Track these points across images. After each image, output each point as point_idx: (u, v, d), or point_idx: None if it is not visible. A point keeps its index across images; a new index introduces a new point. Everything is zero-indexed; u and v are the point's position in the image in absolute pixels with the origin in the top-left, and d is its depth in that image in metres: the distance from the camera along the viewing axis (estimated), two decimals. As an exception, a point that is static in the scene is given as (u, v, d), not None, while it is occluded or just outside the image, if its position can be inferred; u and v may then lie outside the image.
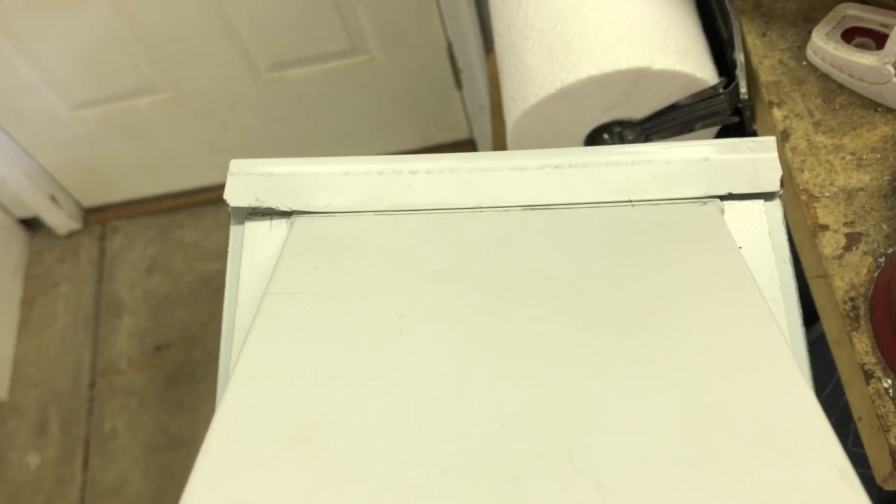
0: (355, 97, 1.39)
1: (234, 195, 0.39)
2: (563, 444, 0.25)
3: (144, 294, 1.57)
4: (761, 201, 0.37)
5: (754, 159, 0.37)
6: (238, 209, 0.39)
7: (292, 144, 1.50)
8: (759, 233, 0.35)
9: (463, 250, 0.34)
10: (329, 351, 0.30)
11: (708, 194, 0.36)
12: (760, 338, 0.29)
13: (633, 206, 0.36)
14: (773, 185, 0.36)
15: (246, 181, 0.39)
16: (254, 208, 0.39)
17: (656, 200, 0.36)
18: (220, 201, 1.59)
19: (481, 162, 0.38)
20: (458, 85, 1.35)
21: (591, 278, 0.32)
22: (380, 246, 0.35)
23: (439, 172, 0.38)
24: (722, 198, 0.37)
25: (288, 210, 0.38)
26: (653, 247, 0.34)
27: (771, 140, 0.37)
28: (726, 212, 0.36)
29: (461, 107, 1.42)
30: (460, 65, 1.29)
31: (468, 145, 1.52)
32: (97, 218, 1.66)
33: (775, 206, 0.36)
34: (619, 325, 0.30)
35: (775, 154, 0.38)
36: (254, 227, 0.38)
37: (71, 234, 1.65)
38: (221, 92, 1.35)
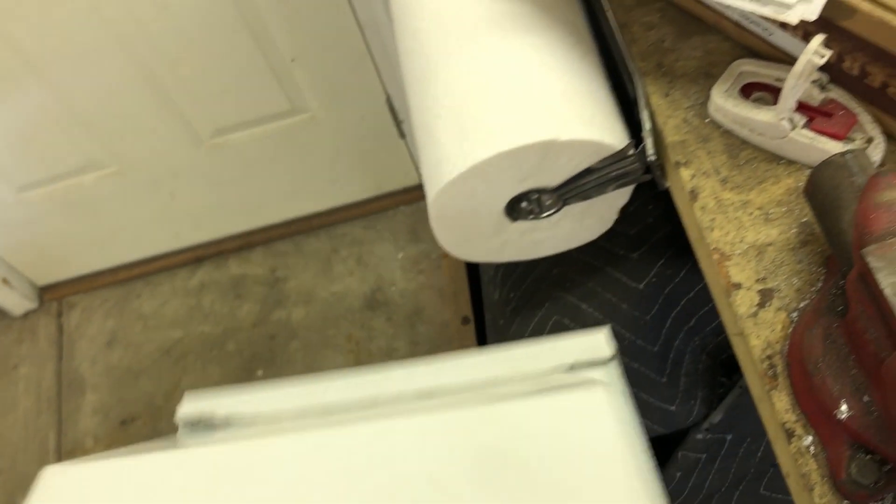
0: (301, 154, 1.39)
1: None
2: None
3: (106, 368, 1.55)
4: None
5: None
6: None
7: (241, 206, 1.50)
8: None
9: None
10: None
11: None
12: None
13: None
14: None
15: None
16: None
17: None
18: (175, 267, 1.58)
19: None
20: (401, 134, 1.36)
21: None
22: None
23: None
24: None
25: None
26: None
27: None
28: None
29: (407, 154, 1.43)
30: (401, 115, 1.30)
31: (418, 190, 1.53)
32: (53, 295, 1.64)
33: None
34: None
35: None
36: None
37: (27, 314, 1.63)
38: (165, 162, 1.35)
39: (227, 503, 0.33)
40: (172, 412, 1.45)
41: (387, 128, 1.35)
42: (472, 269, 1.33)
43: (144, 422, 1.48)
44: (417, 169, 1.47)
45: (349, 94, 1.27)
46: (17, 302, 1.59)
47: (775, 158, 0.51)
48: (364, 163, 1.45)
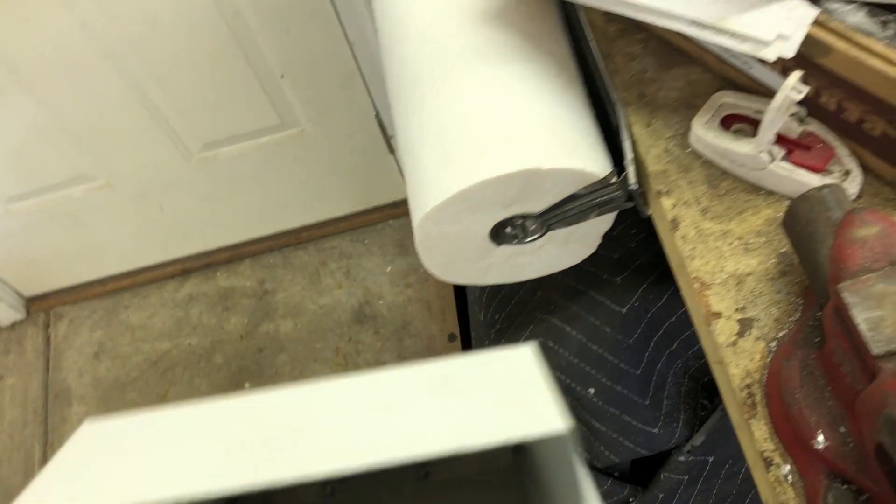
0: (289, 169, 1.39)
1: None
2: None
3: (93, 380, 1.55)
4: None
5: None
6: None
7: (230, 219, 1.50)
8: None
9: None
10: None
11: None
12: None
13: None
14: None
15: None
16: None
17: None
18: (164, 279, 1.58)
19: None
20: (391, 150, 1.37)
21: None
22: None
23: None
24: None
25: None
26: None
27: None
28: None
29: (397, 169, 1.44)
30: (390, 131, 1.31)
31: (407, 204, 1.53)
32: (40, 306, 1.63)
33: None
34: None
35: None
36: None
37: (14, 325, 1.63)
38: (155, 175, 1.35)
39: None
40: (159, 425, 1.44)
41: (376, 143, 1.36)
42: (459, 287, 1.33)
43: (131, 434, 1.47)
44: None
45: (339, 109, 1.28)
46: (4, 313, 1.58)
47: (755, 189, 0.52)
48: (353, 177, 1.46)
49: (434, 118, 0.56)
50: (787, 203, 0.49)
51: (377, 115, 1.29)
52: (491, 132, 0.54)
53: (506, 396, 0.32)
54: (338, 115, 1.29)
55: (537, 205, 0.57)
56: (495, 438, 0.28)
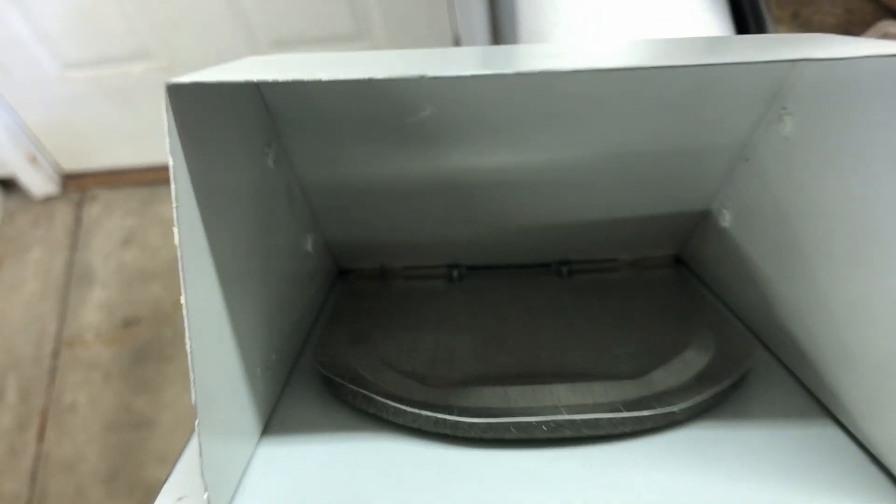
0: (355, 84, 1.35)
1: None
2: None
3: (118, 266, 1.53)
4: None
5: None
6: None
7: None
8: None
9: None
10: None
11: None
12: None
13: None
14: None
15: None
16: None
17: None
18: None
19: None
20: (462, 81, 1.32)
21: None
22: None
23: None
24: None
25: None
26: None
27: None
28: None
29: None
30: (466, 60, 1.26)
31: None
32: (76, 184, 1.61)
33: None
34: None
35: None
36: None
37: (47, 199, 1.60)
38: (218, 64, 1.31)
39: None
40: (179, 321, 1.42)
41: (447, 71, 1.31)
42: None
43: (149, 325, 1.45)
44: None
45: (417, 28, 1.23)
46: (39, 184, 1.56)
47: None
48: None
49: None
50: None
51: (456, 42, 1.24)
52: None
53: None
54: (414, 34, 1.25)
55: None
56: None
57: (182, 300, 0.28)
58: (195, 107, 0.29)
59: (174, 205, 0.27)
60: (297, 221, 0.43)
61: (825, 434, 0.34)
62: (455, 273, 0.51)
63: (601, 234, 0.48)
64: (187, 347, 0.27)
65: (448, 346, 0.43)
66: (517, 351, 0.42)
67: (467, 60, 0.32)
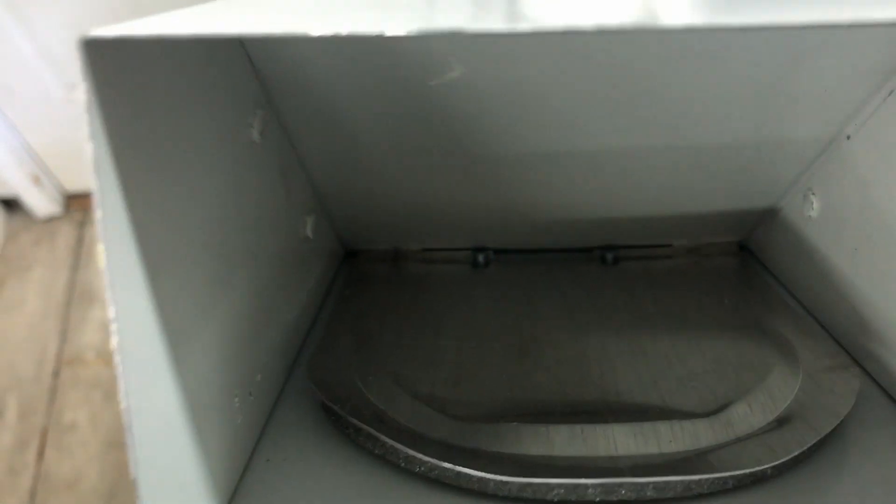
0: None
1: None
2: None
3: (120, 285, 1.53)
4: None
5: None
6: None
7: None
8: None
9: None
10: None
11: None
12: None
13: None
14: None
15: None
16: None
17: None
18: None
19: None
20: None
21: None
22: None
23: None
24: None
25: None
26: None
27: None
28: None
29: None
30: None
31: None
32: (79, 204, 1.62)
33: None
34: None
35: None
36: None
37: (50, 219, 1.61)
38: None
39: None
40: (180, 338, 1.42)
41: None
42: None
43: (149, 344, 1.45)
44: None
45: None
46: (42, 204, 1.57)
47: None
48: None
49: None
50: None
51: None
52: None
53: None
54: None
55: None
56: None
57: (112, 338, 0.20)
58: (134, 71, 0.21)
59: (97, 204, 0.20)
60: (292, 204, 0.36)
61: None
62: (481, 258, 0.43)
63: (654, 216, 0.41)
64: (121, 404, 0.19)
65: (473, 358, 0.35)
66: (558, 367, 0.35)
67: (511, 10, 0.23)
